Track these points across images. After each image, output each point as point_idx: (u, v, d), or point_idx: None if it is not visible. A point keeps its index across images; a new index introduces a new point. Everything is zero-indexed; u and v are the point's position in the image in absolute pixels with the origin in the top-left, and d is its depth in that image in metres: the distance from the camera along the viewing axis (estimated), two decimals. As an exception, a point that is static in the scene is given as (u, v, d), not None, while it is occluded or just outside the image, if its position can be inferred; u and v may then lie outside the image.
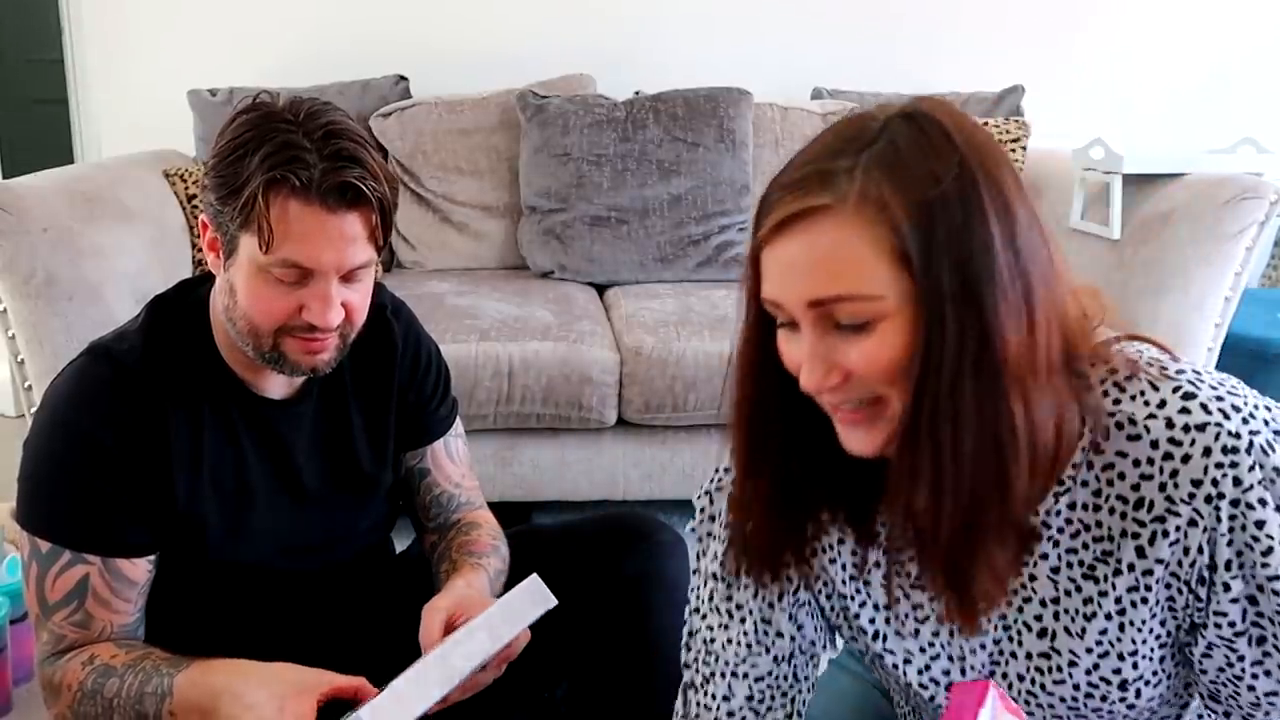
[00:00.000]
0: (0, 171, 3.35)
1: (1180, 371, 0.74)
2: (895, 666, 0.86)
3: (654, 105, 2.59)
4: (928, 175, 0.66)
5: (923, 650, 0.84)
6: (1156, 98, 3.04)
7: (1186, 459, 0.70)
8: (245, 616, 1.15)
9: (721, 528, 0.89)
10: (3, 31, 4.61)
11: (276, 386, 1.12)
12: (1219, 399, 0.71)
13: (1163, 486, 0.71)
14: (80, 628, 1.04)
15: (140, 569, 1.06)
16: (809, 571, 0.85)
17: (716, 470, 0.91)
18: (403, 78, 2.78)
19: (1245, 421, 0.70)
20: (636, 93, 2.70)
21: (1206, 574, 0.72)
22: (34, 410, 1.96)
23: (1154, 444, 0.72)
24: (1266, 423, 0.70)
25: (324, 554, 1.18)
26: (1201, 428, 0.70)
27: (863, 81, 2.87)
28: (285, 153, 0.95)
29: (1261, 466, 0.69)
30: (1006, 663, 0.82)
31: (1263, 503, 0.69)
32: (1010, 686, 0.82)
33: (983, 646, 0.82)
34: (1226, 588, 0.72)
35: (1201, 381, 0.72)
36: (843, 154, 0.69)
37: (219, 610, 1.14)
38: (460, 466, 1.28)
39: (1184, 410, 0.71)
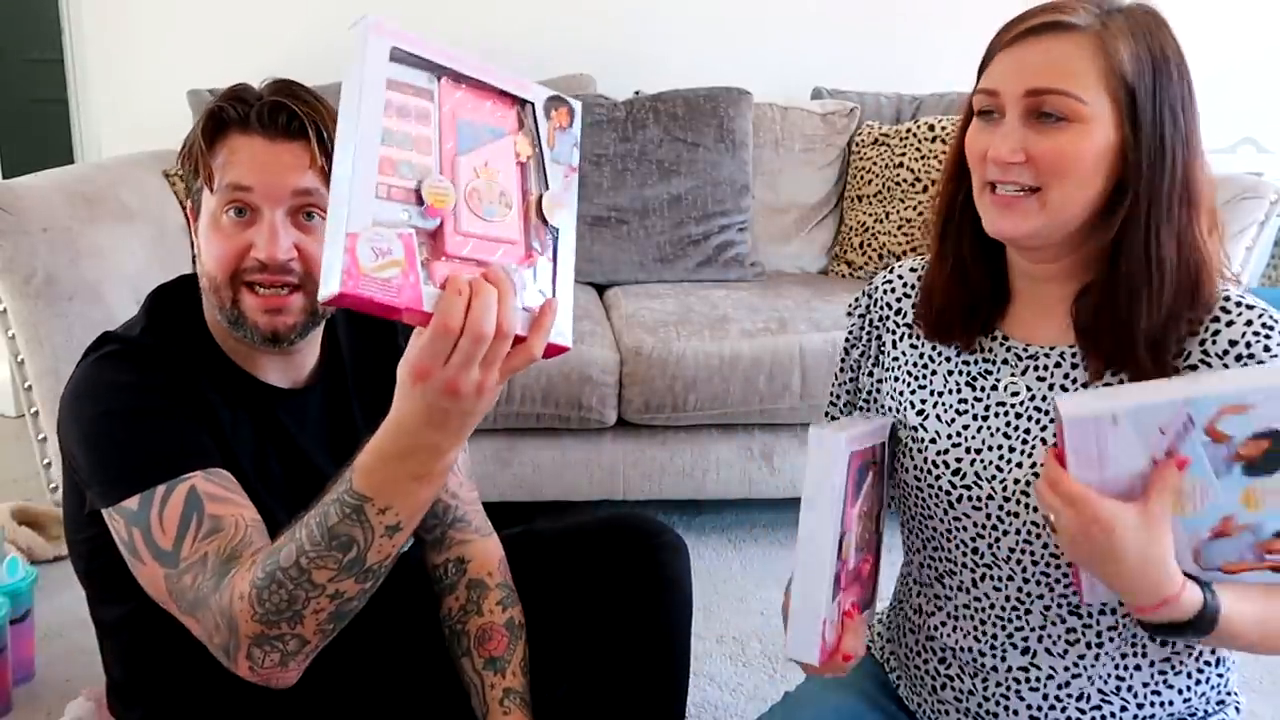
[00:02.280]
0: (0, 171, 3.35)
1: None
2: (922, 440, 1.03)
3: (654, 105, 2.59)
4: (1159, 46, 0.90)
5: (949, 437, 1.01)
6: (1156, 98, 3.04)
7: (1230, 324, 0.90)
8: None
9: (882, 306, 1.10)
10: (3, 31, 4.61)
11: (279, 376, 1.12)
12: (1271, 309, 0.91)
13: (1202, 342, 0.90)
14: (214, 533, 0.94)
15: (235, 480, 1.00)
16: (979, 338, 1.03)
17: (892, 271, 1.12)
18: (403, 78, 2.78)
19: None
20: (636, 93, 2.70)
21: None
22: (34, 411, 1.96)
23: (1206, 309, 0.91)
24: None
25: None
26: (1251, 307, 0.90)
27: (863, 81, 2.87)
28: (229, 97, 1.01)
29: None
30: (1009, 470, 0.96)
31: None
32: (1005, 486, 0.96)
33: (994, 448, 0.98)
34: None
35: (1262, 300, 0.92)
36: (1085, 9, 0.89)
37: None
38: (457, 476, 1.25)
39: (1240, 296, 0.92)
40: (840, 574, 0.93)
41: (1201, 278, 0.90)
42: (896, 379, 1.07)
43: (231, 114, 1.00)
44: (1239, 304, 0.91)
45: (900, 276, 1.10)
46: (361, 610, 1.24)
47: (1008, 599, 0.98)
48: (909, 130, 2.64)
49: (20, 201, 1.88)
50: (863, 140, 2.72)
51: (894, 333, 1.08)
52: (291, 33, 2.91)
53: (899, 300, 1.09)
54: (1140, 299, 0.89)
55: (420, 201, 0.74)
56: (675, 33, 2.98)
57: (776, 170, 2.72)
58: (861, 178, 2.70)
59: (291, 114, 1.00)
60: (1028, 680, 0.98)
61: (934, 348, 1.05)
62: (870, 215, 2.66)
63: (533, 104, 0.81)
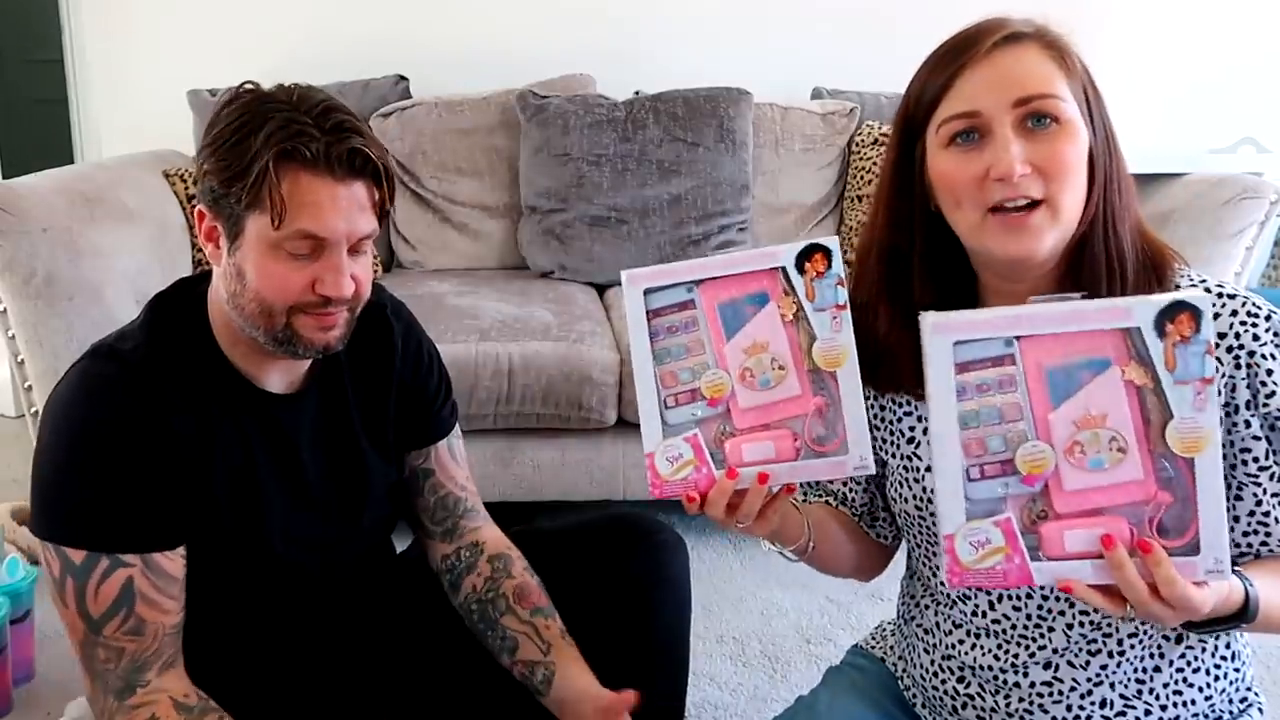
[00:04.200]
0: (0, 171, 3.35)
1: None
2: (918, 469, 1.01)
3: (654, 105, 2.59)
4: (1079, 61, 0.91)
5: (927, 403, 0.95)
6: (1156, 98, 3.04)
7: (1216, 316, 0.89)
8: (250, 611, 1.14)
9: None
10: (3, 31, 4.61)
11: (278, 381, 1.12)
12: (1252, 295, 0.90)
13: None
14: (135, 635, 1.01)
15: (178, 563, 1.04)
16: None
17: None
18: (403, 78, 2.78)
19: (1273, 312, 0.90)
20: (636, 93, 2.70)
21: (1223, 415, 0.88)
22: (34, 411, 1.96)
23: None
24: None
25: (327, 549, 1.18)
26: (1233, 297, 0.90)
27: (863, 81, 2.87)
28: (290, 128, 0.97)
29: (1276, 334, 0.89)
30: None
31: (1272, 356, 0.88)
32: None
33: None
34: (1247, 425, 0.89)
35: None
36: (1023, 22, 0.91)
37: (223, 604, 1.13)
38: (463, 469, 1.28)
39: (1220, 285, 0.91)
40: (717, 416, 0.88)
41: (1162, 261, 0.92)
42: (883, 408, 1.06)
43: (305, 154, 0.97)
44: (1220, 294, 0.90)
45: None
46: (363, 605, 1.24)
47: (1028, 618, 0.97)
48: (909, 130, 2.64)
49: (20, 201, 1.88)
50: (863, 140, 2.72)
51: None
52: (291, 33, 2.91)
53: None
54: (1101, 290, 0.90)
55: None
56: (675, 33, 2.98)
57: (776, 170, 2.72)
58: (861, 178, 2.70)
59: (366, 158, 0.99)
60: (1050, 694, 0.97)
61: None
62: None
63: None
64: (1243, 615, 0.82)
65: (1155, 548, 0.76)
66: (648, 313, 0.88)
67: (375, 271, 2.60)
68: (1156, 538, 0.77)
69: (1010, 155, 0.86)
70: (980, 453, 0.80)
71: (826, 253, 0.86)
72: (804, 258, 0.86)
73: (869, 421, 0.89)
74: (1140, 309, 0.76)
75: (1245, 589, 0.81)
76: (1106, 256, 0.90)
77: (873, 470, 0.88)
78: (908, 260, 0.97)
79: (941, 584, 1.04)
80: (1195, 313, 0.75)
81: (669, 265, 0.88)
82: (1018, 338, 0.78)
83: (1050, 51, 0.89)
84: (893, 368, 0.99)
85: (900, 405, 1.03)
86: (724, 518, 0.88)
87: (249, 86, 1.02)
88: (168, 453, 1.03)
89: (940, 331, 0.79)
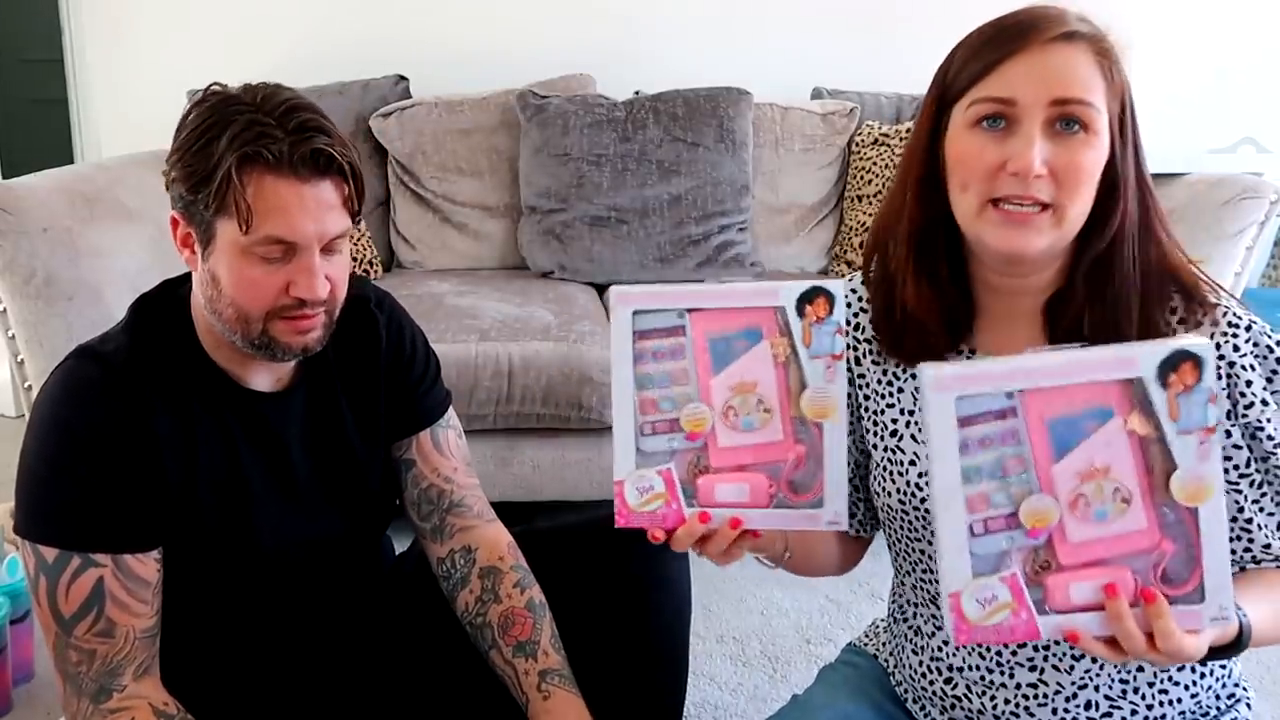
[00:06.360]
0: (0, 171, 3.35)
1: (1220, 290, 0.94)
2: (901, 462, 1.01)
3: (654, 105, 2.59)
4: (1123, 74, 0.91)
5: (929, 458, 0.93)
6: (1156, 98, 3.04)
7: (1198, 325, 0.91)
8: (242, 608, 1.14)
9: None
10: (3, 31, 4.61)
11: (264, 380, 1.11)
12: (1238, 304, 0.92)
13: None
14: (105, 637, 1.01)
15: (150, 567, 1.04)
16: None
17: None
18: (403, 78, 2.78)
19: (1253, 322, 0.91)
20: (636, 93, 2.70)
21: None
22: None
23: (1172, 309, 0.91)
24: (1268, 334, 0.91)
25: (320, 546, 1.18)
26: (1214, 306, 0.91)
27: (863, 81, 2.87)
28: (253, 130, 0.96)
29: (1255, 345, 0.90)
30: None
31: (1251, 368, 0.90)
32: None
33: None
34: (1228, 434, 0.90)
35: (1233, 297, 0.94)
36: (1082, 21, 0.90)
37: (215, 603, 1.13)
38: (451, 460, 1.25)
39: (1205, 295, 0.91)
40: (693, 450, 0.86)
41: (1187, 280, 0.91)
42: (866, 398, 1.05)
43: (268, 157, 0.96)
44: (1203, 302, 0.91)
45: (853, 290, 1.05)
46: (357, 603, 1.24)
47: None
48: (909, 130, 2.64)
49: (20, 201, 1.88)
50: (863, 140, 2.72)
51: (855, 349, 1.05)
52: (291, 33, 2.91)
53: (855, 316, 1.05)
54: (1132, 307, 0.90)
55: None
56: (675, 33, 2.98)
57: (776, 170, 2.72)
58: (861, 178, 2.70)
59: (330, 158, 0.98)
60: (1036, 696, 0.98)
61: (898, 364, 1.02)
62: (870, 215, 2.66)
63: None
64: (1236, 646, 0.82)
65: (1158, 598, 0.76)
66: (635, 334, 0.85)
67: (375, 272, 2.60)
68: (1160, 586, 0.77)
69: (1032, 153, 0.85)
70: (984, 508, 0.78)
71: (829, 298, 0.83)
72: (805, 300, 0.83)
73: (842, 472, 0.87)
74: (1144, 359, 0.75)
75: (1240, 621, 0.81)
76: (1137, 269, 0.90)
77: (845, 527, 0.86)
78: (936, 232, 0.96)
79: (918, 586, 1.04)
80: (1198, 361, 0.74)
81: (663, 288, 0.85)
82: (1020, 391, 0.77)
83: (1100, 59, 0.88)
84: (921, 336, 0.97)
85: (884, 398, 1.03)
86: (688, 550, 0.88)
87: (215, 88, 1.01)
88: (147, 454, 1.03)
89: (942, 388, 0.77)
